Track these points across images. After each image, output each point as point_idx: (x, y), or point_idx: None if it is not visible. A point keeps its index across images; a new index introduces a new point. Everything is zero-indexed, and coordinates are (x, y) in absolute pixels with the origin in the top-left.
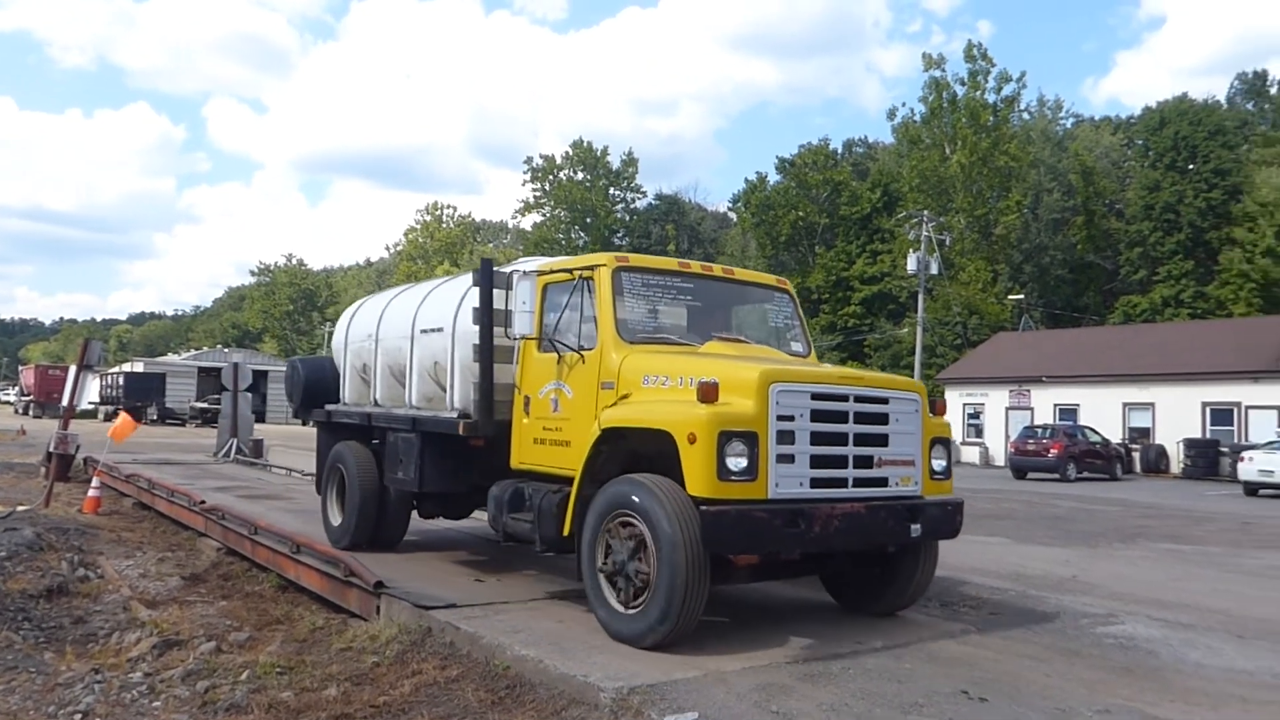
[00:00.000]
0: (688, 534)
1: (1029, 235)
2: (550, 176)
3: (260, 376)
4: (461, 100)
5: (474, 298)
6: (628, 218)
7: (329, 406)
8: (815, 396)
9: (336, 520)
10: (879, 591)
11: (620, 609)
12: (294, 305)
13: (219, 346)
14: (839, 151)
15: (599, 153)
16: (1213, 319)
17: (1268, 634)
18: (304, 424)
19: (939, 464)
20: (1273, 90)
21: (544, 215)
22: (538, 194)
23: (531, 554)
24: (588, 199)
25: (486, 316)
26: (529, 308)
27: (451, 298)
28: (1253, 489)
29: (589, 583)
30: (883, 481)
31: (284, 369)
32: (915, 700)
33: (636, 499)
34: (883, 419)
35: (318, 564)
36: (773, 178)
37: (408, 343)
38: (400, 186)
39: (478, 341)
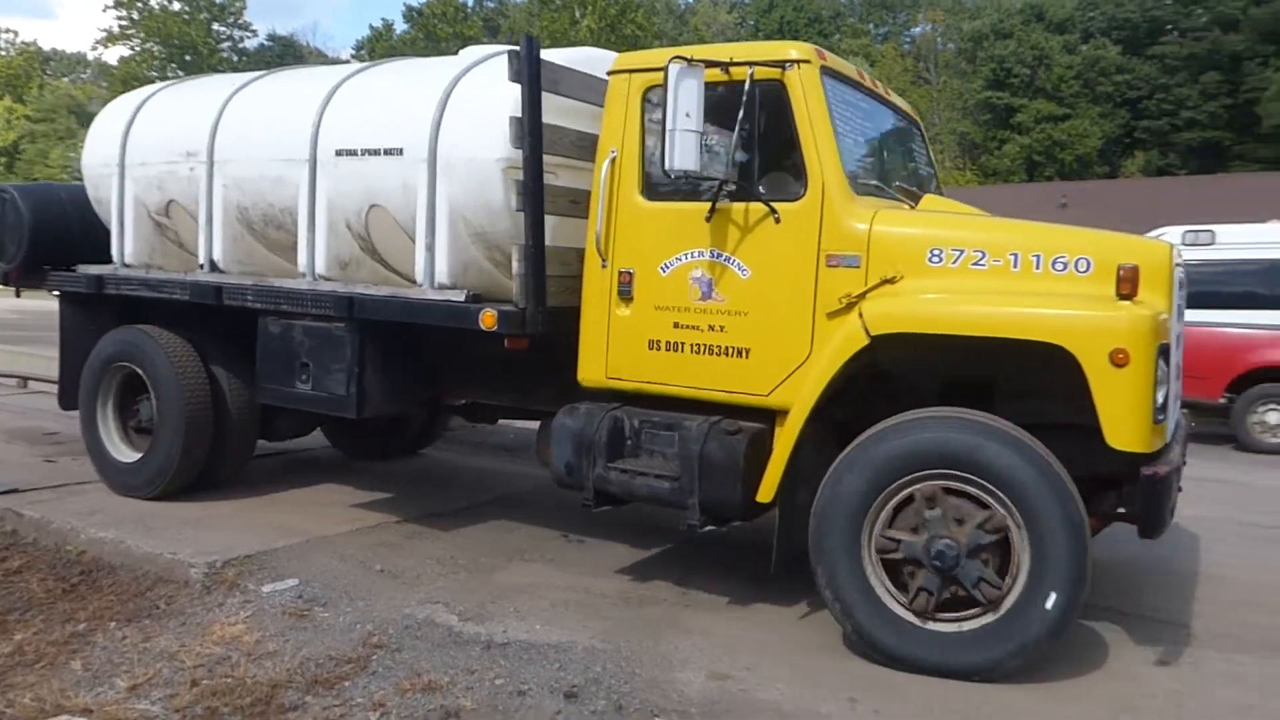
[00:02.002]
0: (1076, 516)
1: None
2: (139, 3)
3: None
4: None
5: (473, 97)
6: (235, 59)
7: (89, 268)
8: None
9: (128, 456)
10: None
11: (953, 628)
12: None
13: None
14: (470, 5)
15: None
16: None
17: None
18: (17, 294)
19: None
20: None
21: (132, 49)
22: (123, 22)
23: None
24: (186, 33)
25: (535, 138)
26: (695, 124)
27: (419, 97)
28: None
29: (832, 597)
30: None
31: None
32: (520, 546)
33: (989, 454)
34: None
35: None
36: (400, 26)
37: (301, 172)
38: None
39: (518, 177)
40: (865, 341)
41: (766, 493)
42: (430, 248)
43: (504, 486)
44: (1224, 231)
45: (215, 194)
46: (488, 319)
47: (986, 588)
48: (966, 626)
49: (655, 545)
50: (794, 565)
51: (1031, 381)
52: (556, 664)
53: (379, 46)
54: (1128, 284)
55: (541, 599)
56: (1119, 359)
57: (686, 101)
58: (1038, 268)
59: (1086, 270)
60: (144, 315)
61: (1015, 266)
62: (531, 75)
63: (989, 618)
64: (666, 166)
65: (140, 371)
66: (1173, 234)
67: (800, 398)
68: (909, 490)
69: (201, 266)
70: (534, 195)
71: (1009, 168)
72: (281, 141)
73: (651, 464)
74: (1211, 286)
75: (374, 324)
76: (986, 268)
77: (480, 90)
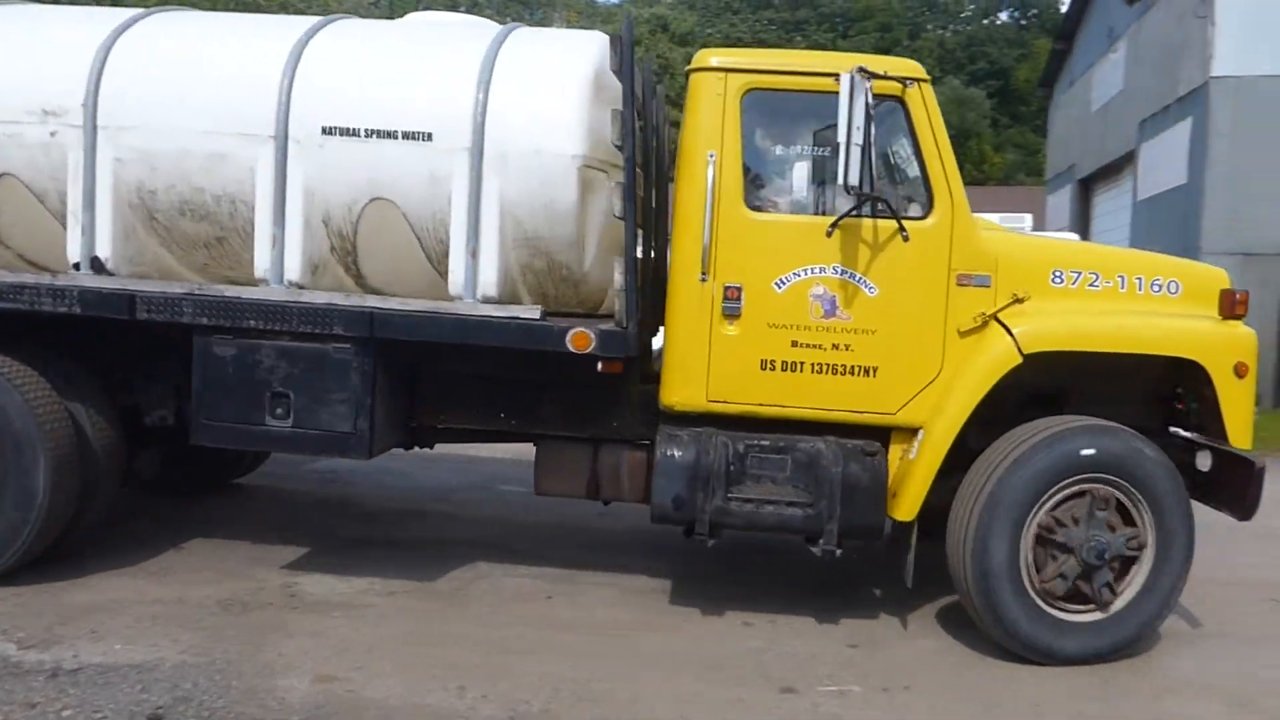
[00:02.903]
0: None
1: None
2: None
3: None
4: None
5: (531, 78)
6: None
7: None
8: None
9: None
10: None
11: (1084, 618)
12: None
13: None
14: None
15: None
16: None
17: None
18: None
19: None
20: None
21: None
22: None
23: None
24: None
25: (634, 137)
26: (860, 137)
27: (447, 69)
28: None
29: (981, 596)
30: None
31: None
32: (103, 557)
33: (1123, 458)
34: None
35: None
36: None
37: (261, 150)
38: None
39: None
40: (1019, 360)
41: (910, 510)
42: (475, 253)
43: None
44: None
45: (100, 170)
46: (580, 340)
47: (1106, 591)
48: (1078, 619)
49: (269, 544)
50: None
51: (1104, 390)
52: (139, 685)
53: None
54: (1241, 306)
55: (124, 616)
56: (1242, 371)
57: (859, 115)
58: (1140, 289)
59: (1176, 292)
60: None
61: (1123, 288)
62: (632, 65)
63: (1098, 615)
64: (843, 183)
65: None
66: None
67: (948, 414)
68: (1083, 488)
69: (76, 267)
70: (633, 200)
71: None
72: (225, 108)
73: (778, 491)
74: None
75: (388, 344)
76: (1100, 289)
77: (539, 70)
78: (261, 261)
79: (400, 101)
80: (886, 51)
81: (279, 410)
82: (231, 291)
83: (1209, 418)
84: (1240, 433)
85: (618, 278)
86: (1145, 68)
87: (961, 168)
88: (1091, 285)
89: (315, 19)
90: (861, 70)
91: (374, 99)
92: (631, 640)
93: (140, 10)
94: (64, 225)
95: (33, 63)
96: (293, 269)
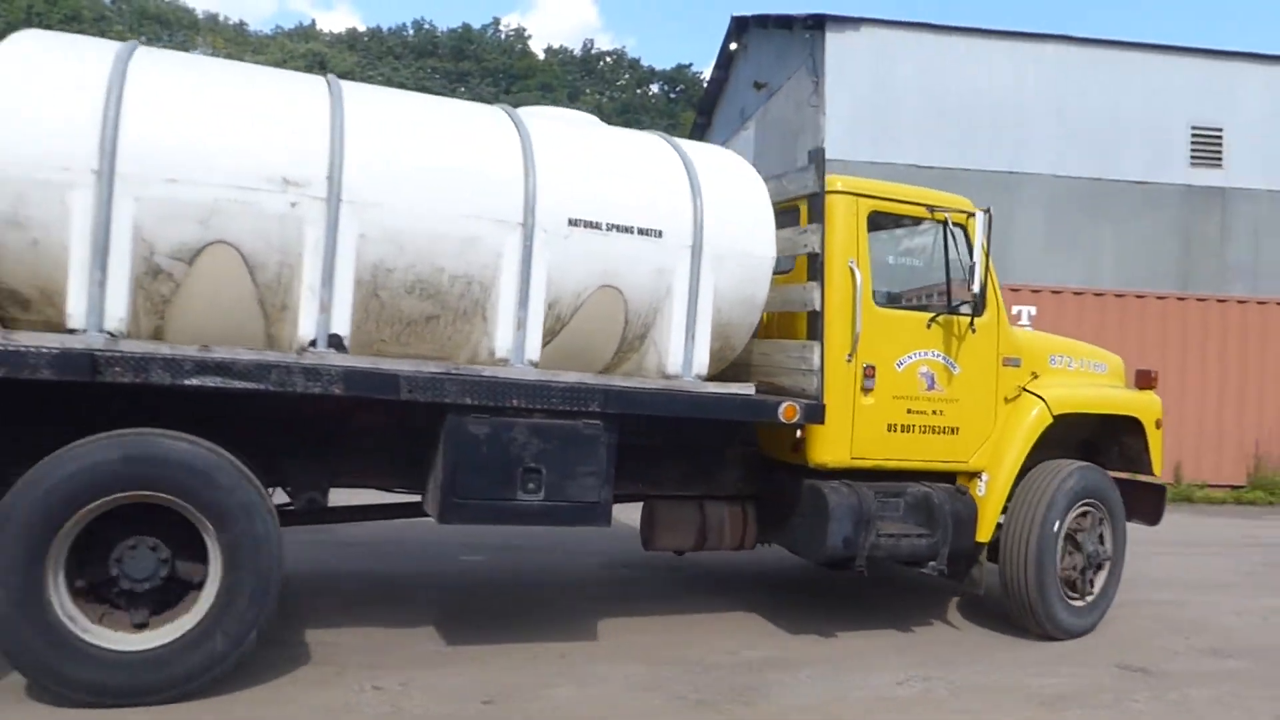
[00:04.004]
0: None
1: None
2: None
3: None
4: None
5: (734, 190)
6: None
7: (47, 339)
8: None
9: (128, 643)
10: None
11: (1075, 601)
12: None
13: None
14: None
15: None
16: None
17: None
18: None
19: None
20: None
21: None
22: None
23: None
24: None
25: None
26: (982, 257)
27: (661, 176)
28: None
29: (1037, 589)
30: None
31: None
32: None
33: (1104, 488)
34: None
35: None
36: None
37: (510, 238)
38: None
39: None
40: (1051, 420)
41: (986, 533)
42: (694, 336)
43: None
44: None
45: (341, 245)
46: (790, 412)
47: (1085, 583)
48: (1078, 603)
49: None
50: None
51: (1065, 438)
52: None
53: None
54: (1155, 381)
55: None
56: (1160, 424)
57: (986, 241)
58: (1086, 369)
59: (1103, 370)
60: (95, 410)
61: (1083, 368)
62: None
63: (1086, 601)
64: (974, 289)
65: (185, 504)
66: None
67: (1008, 459)
68: (1085, 509)
69: (313, 344)
70: (823, 301)
71: None
72: (476, 195)
73: (905, 527)
74: None
75: (623, 420)
76: (1074, 369)
77: (738, 187)
78: (504, 341)
79: (632, 201)
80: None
81: (530, 485)
82: (488, 371)
83: (1136, 458)
84: (1158, 467)
85: (815, 361)
86: (771, 146)
87: None
88: (1069, 366)
89: (529, 110)
90: (986, 210)
91: (610, 198)
92: None
93: (368, 86)
94: (262, 303)
95: (271, 128)
96: (532, 349)
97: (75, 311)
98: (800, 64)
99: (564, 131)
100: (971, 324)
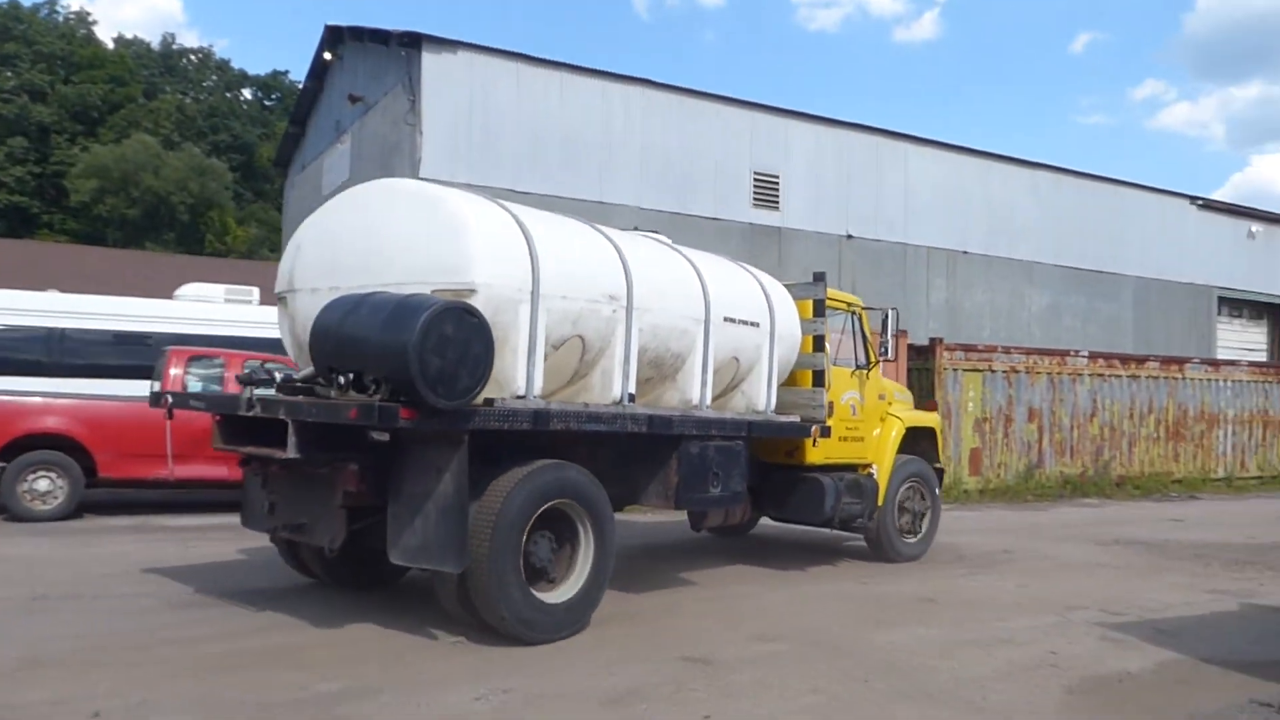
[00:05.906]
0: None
1: None
2: None
3: None
4: None
5: (780, 295)
6: None
7: (503, 402)
8: None
9: (556, 596)
10: None
11: (910, 539)
12: None
13: None
14: None
15: None
16: None
17: None
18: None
19: None
20: None
21: None
22: None
23: None
24: None
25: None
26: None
27: (752, 289)
28: None
29: (890, 530)
30: None
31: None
32: None
33: (924, 471)
34: None
35: None
36: None
37: (698, 329)
38: None
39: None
40: (905, 430)
41: (881, 500)
42: (770, 385)
43: None
44: (4, 297)
45: (632, 335)
46: (817, 431)
47: (917, 527)
48: (911, 540)
49: None
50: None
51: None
52: None
53: None
54: (932, 406)
55: None
56: (943, 431)
57: (891, 324)
58: (905, 399)
59: (910, 399)
60: (501, 448)
61: (904, 399)
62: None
63: (917, 538)
64: (883, 355)
65: (580, 509)
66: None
67: (885, 457)
68: (912, 484)
69: (620, 400)
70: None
71: None
72: (684, 303)
73: (852, 499)
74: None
75: (744, 440)
76: (900, 399)
77: (782, 291)
78: (693, 392)
79: (744, 305)
80: (119, 106)
81: (714, 484)
82: (699, 413)
83: (928, 451)
84: (941, 457)
85: (824, 399)
86: (368, 161)
87: (203, 239)
88: (898, 397)
89: (694, 254)
90: (893, 308)
91: (734, 301)
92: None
93: (631, 233)
94: (578, 373)
95: (594, 261)
96: (708, 398)
97: (520, 384)
98: (397, 81)
99: (705, 258)
100: (867, 373)
